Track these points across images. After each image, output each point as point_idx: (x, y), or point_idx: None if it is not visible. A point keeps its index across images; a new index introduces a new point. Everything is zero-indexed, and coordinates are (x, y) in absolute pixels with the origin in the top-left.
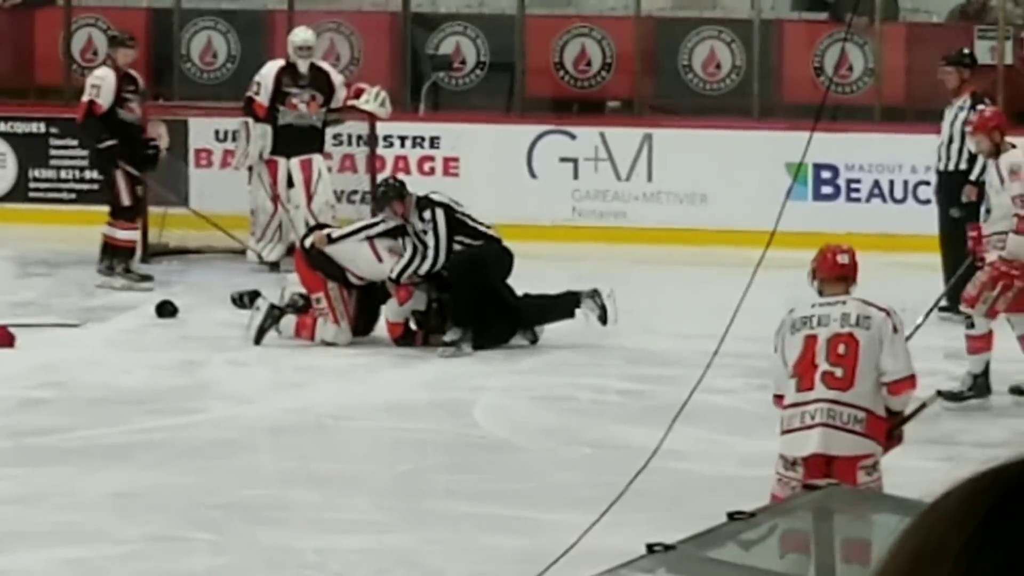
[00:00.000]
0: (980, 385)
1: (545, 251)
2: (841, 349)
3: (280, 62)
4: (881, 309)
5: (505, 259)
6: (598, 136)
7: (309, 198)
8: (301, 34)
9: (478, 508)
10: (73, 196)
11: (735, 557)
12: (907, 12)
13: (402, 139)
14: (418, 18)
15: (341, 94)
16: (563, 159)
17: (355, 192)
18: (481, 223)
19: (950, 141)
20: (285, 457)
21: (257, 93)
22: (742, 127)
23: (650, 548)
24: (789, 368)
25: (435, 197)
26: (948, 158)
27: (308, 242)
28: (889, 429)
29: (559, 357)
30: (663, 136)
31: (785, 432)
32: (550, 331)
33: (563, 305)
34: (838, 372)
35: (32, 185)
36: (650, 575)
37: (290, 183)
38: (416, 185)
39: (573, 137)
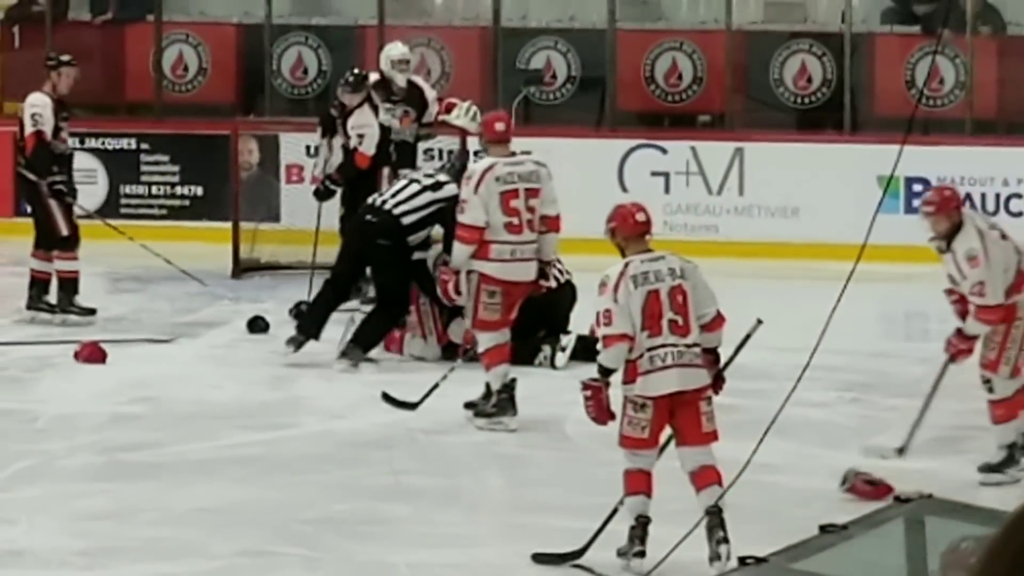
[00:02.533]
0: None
1: None
2: (680, 299)
3: (374, 76)
4: (688, 260)
5: None
6: (689, 150)
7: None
8: (399, 48)
9: (570, 522)
10: (164, 212)
11: (827, 570)
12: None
13: None
14: (509, 32)
15: (434, 109)
16: (654, 173)
17: None
18: None
19: None
20: (377, 472)
21: None
22: (834, 140)
23: (742, 561)
24: (635, 318)
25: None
26: None
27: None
28: (718, 372)
29: None
30: (754, 150)
31: (642, 374)
32: None
33: (528, 348)
34: (680, 320)
35: (123, 201)
36: None
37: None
38: None
39: (664, 151)
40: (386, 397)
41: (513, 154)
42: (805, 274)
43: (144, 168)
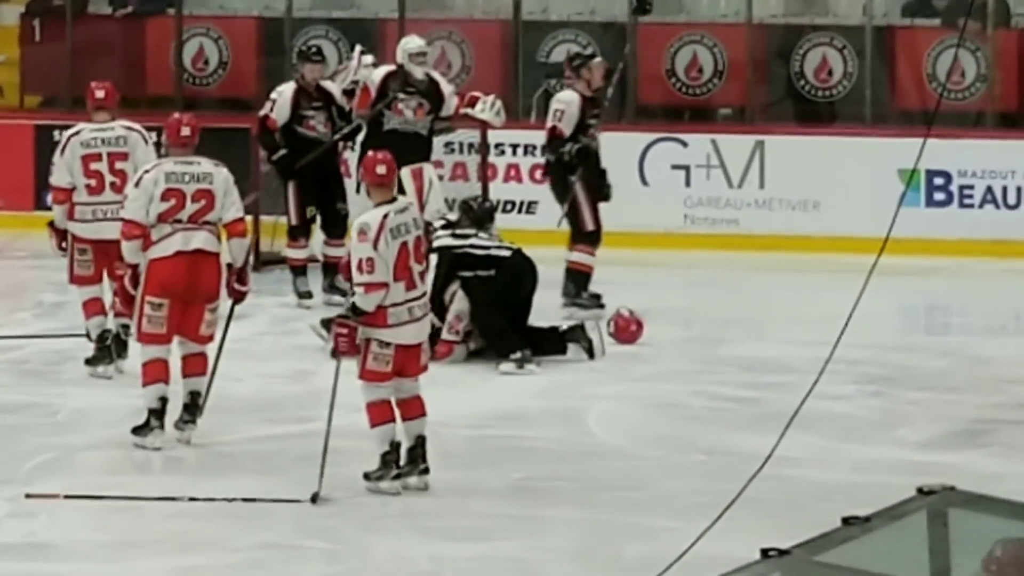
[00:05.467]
0: None
1: (657, 259)
2: (421, 250)
3: (390, 67)
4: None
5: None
6: (710, 143)
7: (421, 207)
8: (415, 41)
9: (591, 515)
10: None
11: (850, 561)
12: (1019, 18)
13: (514, 147)
14: (529, 26)
15: (452, 103)
16: (675, 166)
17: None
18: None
19: None
20: None
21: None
22: (854, 134)
23: (764, 553)
24: (389, 268)
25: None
26: None
27: None
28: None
29: (672, 365)
30: (775, 143)
31: (396, 325)
32: (663, 340)
33: (553, 340)
34: (421, 269)
35: None
36: None
37: (401, 191)
38: (529, 193)
39: (685, 144)
40: None
41: (112, 119)
42: (826, 267)
43: None
